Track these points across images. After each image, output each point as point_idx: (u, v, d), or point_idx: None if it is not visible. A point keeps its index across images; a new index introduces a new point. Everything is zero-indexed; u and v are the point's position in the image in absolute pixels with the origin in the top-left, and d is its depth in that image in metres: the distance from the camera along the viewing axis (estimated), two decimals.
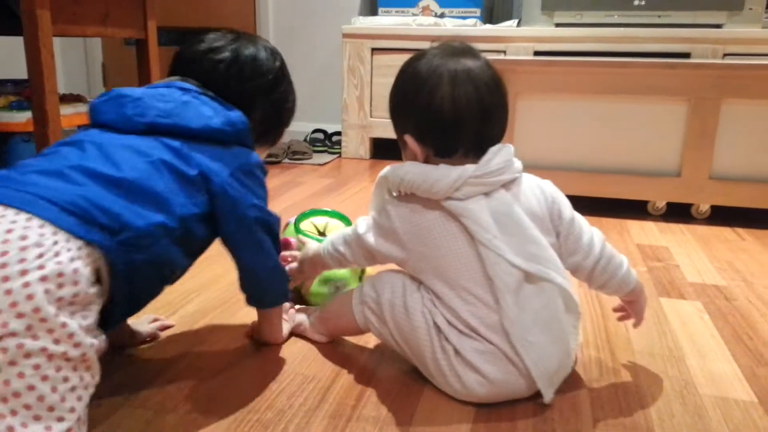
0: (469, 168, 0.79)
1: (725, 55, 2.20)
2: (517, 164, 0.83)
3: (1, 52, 2.74)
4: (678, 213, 1.80)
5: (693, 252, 1.49)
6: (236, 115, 0.85)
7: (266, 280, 0.89)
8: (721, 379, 0.90)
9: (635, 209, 1.82)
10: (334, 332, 0.98)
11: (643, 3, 2.33)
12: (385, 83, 2.59)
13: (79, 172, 0.69)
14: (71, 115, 1.64)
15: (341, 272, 1.08)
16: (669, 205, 1.81)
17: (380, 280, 0.86)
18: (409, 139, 0.83)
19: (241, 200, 0.81)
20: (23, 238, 0.60)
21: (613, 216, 1.77)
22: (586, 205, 1.75)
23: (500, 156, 0.80)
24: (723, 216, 1.77)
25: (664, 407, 0.83)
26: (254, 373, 0.89)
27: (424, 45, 2.74)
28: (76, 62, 3.32)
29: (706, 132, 1.70)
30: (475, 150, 0.81)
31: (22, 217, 0.62)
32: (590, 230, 0.86)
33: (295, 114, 0.99)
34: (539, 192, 0.84)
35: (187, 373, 0.89)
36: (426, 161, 0.83)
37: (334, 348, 0.97)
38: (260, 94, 0.90)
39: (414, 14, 2.71)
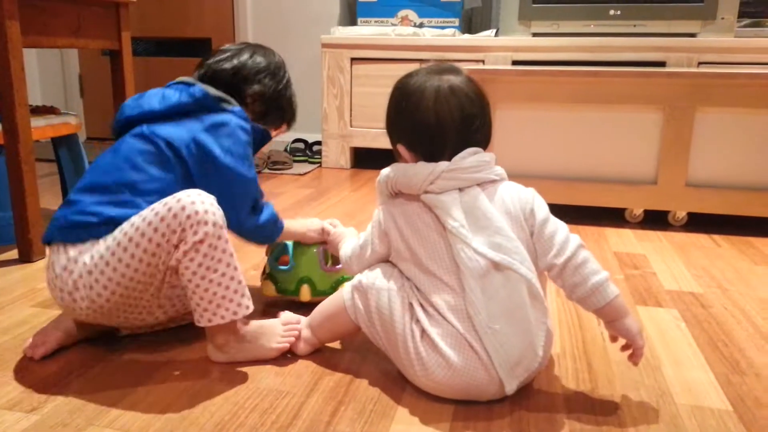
0: (443, 164, 0.86)
1: (700, 63, 2.23)
2: (498, 170, 0.90)
3: None
4: (655, 220, 1.81)
5: (670, 259, 1.50)
6: (196, 89, 1.00)
7: (242, 236, 1.03)
8: (696, 388, 0.90)
9: (612, 217, 1.83)
10: (326, 334, 0.98)
11: (618, 13, 2.36)
12: (364, 93, 2.59)
13: (78, 192, 0.94)
14: (43, 127, 1.60)
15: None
16: (646, 212, 1.82)
17: (372, 270, 0.92)
18: (401, 148, 0.92)
19: (205, 155, 0.95)
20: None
21: (590, 224, 1.78)
22: (563, 212, 1.75)
23: (475, 157, 0.87)
24: (699, 223, 1.78)
25: (640, 416, 0.82)
26: (226, 389, 0.88)
27: (404, 54, 2.72)
28: (52, 73, 3.28)
29: (681, 140, 1.72)
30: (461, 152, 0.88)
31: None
32: (567, 233, 0.87)
33: (294, 115, 1.16)
34: (515, 193, 0.89)
35: (156, 390, 0.87)
36: None
37: (308, 362, 0.96)
38: (256, 75, 1.07)
39: (393, 24, 2.71)
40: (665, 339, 1.06)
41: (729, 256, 1.53)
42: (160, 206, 0.87)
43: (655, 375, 0.94)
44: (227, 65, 1.06)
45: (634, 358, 0.86)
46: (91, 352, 0.98)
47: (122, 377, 0.90)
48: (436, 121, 0.86)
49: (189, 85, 1.02)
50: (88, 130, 3.25)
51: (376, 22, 2.75)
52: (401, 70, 2.61)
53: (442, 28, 2.63)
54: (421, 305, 0.85)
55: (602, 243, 1.61)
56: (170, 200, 0.87)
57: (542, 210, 0.88)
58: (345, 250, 0.99)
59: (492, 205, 0.86)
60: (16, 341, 1.01)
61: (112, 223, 0.89)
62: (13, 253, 1.43)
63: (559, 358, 0.99)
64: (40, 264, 1.38)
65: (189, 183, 0.94)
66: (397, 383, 0.89)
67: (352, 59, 2.57)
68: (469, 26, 2.94)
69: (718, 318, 1.15)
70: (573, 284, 0.84)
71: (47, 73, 3.27)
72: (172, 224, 0.86)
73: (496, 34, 2.58)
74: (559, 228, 0.87)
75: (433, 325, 0.83)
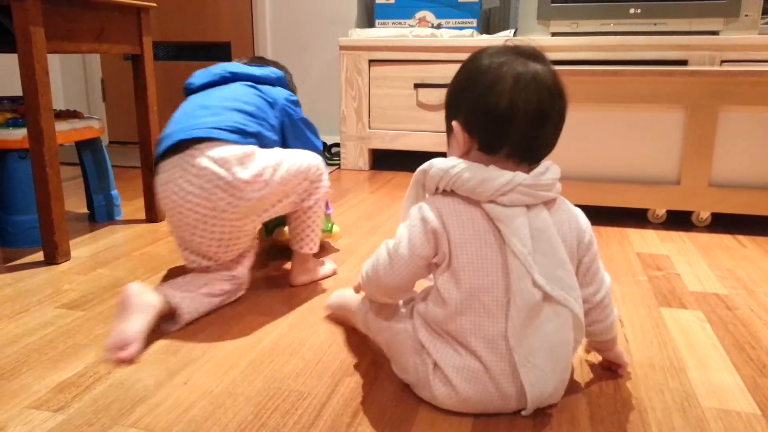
0: (522, 175, 0.77)
1: (722, 61, 2.20)
2: (559, 186, 0.82)
3: None
4: (678, 221, 1.78)
5: (694, 260, 1.47)
6: (275, 69, 1.36)
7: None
8: (722, 391, 0.89)
9: (635, 217, 1.81)
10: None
11: (639, 11, 2.33)
12: (383, 94, 2.60)
13: (216, 109, 1.16)
14: (68, 131, 1.63)
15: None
16: (669, 212, 1.80)
17: (380, 311, 0.90)
18: (456, 126, 0.81)
19: (294, 115, 1.30)
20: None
21: (613, 224, 1.76)
22: (585, 213, 1.73)
23: (551, 172, 0.80)
24: (723, 223, 1.76)
25: (665, 420, 0.81)
26: (248, 390, 0.88)
27: (422, 56, 2.72)
28: (75, 78, 3.33)
29: (704, 139, 1.69)
30: (521, 153, 0.79)
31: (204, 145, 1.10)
32: (603, 270, 0.88)
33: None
34: (574, 218, 0.84)
35: (179, 391, 0.88)
36: (467, 152, 0.82)
37: (329, 364, 0.96)
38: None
39: (411, 26, 2.71)
40: (690, 341, 1.04)
41: (754, 256, 1.51)
42: (313, 159, 1.22)
43: (680, 377, 0.92)
44: (273, 69, 1.37)
45: (621, 372, 0.93)
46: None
47: (146, 378, 0.91)
48: (508, 109, 0.76)
49: (265, 65, 1.37)
50: (111, 134, 3.30)
51: (393, 23, 2.75)
52: (419, 71, 2.62)
53: (460, 29, 2.62)
54: (435, 332, 0.81)
55: (625, 244, 1.59)
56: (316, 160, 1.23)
57: (594, 243, 0.86)
58: (366, 265, 0.87)
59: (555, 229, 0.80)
60: (42, 342, 1.03)
61: (258, 137, 1.16)
62: (38, 256, 1.46)
63: (582, 360, 0.97)
64: (65, 266, 1.41)
65: (281, 130, 1.28)
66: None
67: (370, 61, 2.58)
68: (488, 27, 2.92)
69: (744, 320, 1.13)
70: (597, 319, 0.87)
71: (70, 78, 3.32)
72: (313, 177, 1.22)
73: (515, 35, 2.56)
74: (600, 264, 0.87)
75: (449, 357, 0.79)
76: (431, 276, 0.84)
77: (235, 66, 1.30)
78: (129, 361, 0.95)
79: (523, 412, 0.80)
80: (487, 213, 0.78)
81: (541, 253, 0.77)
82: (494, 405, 0.80)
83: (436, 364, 0.80)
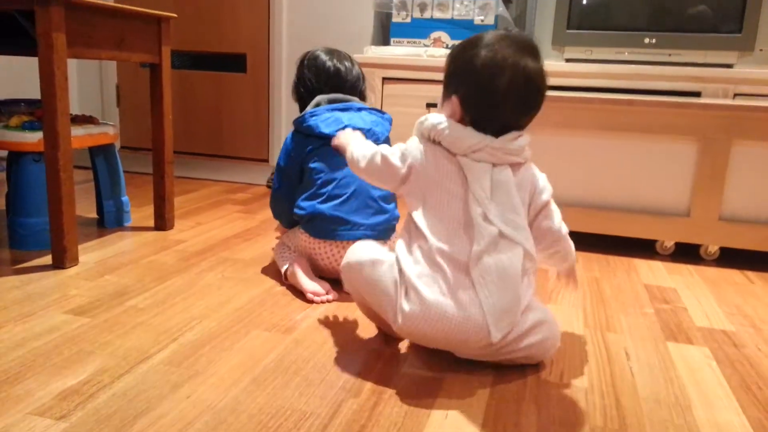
0: (491, 138, 0.97)
1: (736, 95, 2.20)
2: (527, 152, 1.01)
3: (16, 71, 2.79)
4: (686, 253, 1.78)
5: (701, 294, 1.47)
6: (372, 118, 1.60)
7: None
8: (728, 431, 0.88)
9: (643, 248, 1.81)
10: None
11: (653, 41, 2.34)
12: (395, 112, 2.60)
13: (379, 200, 1.45)
14: (83, 136, 1.64)
15: None
16: (677, 245, 1.79)
17: (362, 248, 1.05)
18: (455, 99, 0.99)
19: None
20: None
21: (620, 254, 1.75)
22: (593, 242, 1.72)
23: (519, 141, 0.99)
24: (732, 258, 1.75)
25: None
26: (250, 407, 0.88)
27: (435, 76, 2.72)
28: (90, 83, 3.36)
29: (715, 172, 1.69)
30: (495, 133, 0.98)
31: None
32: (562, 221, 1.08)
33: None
34: (534, 177, 1.04)
35: (182, 405, 0.88)
36: (460, 122, 0.99)
37: (333, 383, 0.96)
38: None
39: (425, 45, 2.73)
40: (696, 378, 1.03)
41: (762, 293, 1.50)
42: None
43: (685, 415, 0.91)
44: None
45: (574, 285, 1.15)
46: (119, 362, 0.99)
47: (149, 390, 0.91)
48: (500, 101, 0.95)
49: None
50: (123, 139, 3.32)
51: (408, 42, 2.77)
52: (432, 91, 2.63)
53: None
54: (415, 258, 0.96)
55: (632, 275, 1.58)
56: None
57: (547, 193, 1.04)
58: (357, 149, 1.08)
59: (515, 185, 0.99)
60: (47, 347, 1.03)
61: None
62: (47, 259, 1.46)
63: (587, 393, 0.97)
64: (72, 271, 1.41)
65: None
66: (421, 409, 0.88)
67: (384, 79, 2.59)
68: None
69: (751, 358, 1.12)
70: (564, 249, 1.08)
71: (85, 82, 3.35)
72: None
73: None
74: (557, 213, 1.06)
75: (417, 269, 0.94)
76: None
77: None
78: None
79: (492, 338, 0.93)
80: (459, 163, 0.97)
81: (498, 201, 0.96)
82: (452, 316, 0.92)
83: (407, 288, 0.95)
